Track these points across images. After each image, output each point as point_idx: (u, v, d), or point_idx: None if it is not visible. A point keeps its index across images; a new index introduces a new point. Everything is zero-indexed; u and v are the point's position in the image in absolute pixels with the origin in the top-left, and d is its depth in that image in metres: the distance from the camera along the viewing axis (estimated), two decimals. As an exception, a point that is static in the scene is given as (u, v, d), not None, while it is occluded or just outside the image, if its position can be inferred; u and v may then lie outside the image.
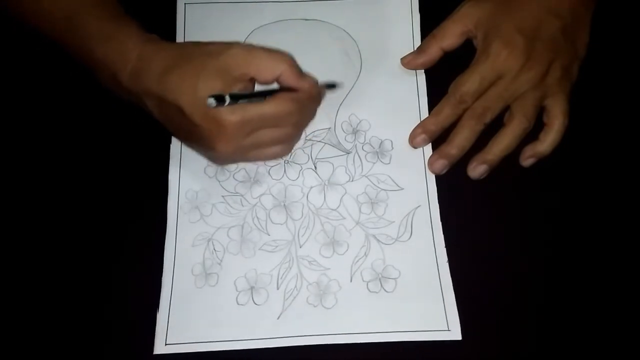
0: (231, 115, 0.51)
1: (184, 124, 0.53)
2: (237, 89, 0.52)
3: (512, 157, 0.58)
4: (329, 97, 0.60)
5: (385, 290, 0.55)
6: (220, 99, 0.50)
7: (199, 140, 0.54)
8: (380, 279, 0.55)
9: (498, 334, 0.53)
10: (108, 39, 0.54)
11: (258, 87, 0.54)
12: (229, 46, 0.53)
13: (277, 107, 0.52)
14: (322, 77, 0.57)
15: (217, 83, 0.51)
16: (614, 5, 0.62)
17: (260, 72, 0.52)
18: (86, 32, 0.55)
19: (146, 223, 0.57)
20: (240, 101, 0.51)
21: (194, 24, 0.64)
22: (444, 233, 0.56)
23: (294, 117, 0.54)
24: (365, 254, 0.56)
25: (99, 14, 0.55)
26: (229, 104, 0.50)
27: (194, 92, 0.51)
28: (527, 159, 0.58)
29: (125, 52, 0.54)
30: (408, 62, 0.61)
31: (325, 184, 0.59)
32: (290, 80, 0.53)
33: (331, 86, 0.59)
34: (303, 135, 0.60)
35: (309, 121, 0.59)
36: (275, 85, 0.54)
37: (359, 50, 0.63)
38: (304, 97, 0.54)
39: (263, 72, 0.52)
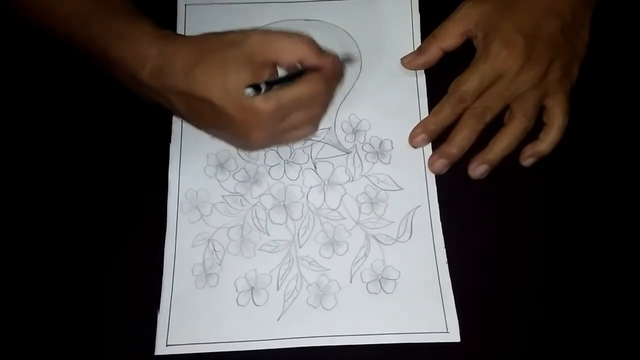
0: (266, 103, 0.51)
1: (215, 118, 0.53)
2: (265, 75, 0.52)
3: (512, 157, 0.58)
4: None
5: (384, 291, 0.55)
6: (256, 88, 0.50)
7: (233, 132, 0.54)
8: (380, 280, 0.55)
9: (497, 337, 0.53)
10: (123, 37, 0.54)
11: (281, 71, 0.54)
12: (248, 34, 0.53)
13: (308, 89, 0.53)
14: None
15: (245, 73, 0.51)
16: (614, 5, 0.62)
17: (281, 56, 0.53)
18: (100, 30, 0.54)
19: (146, 223, 0.57)
20: (274, 87, 0.51)
21: (195, 25, 0.64)
22: (443, 233, 0.56)
23: (324, 96, 0.55)
24: (365, 255, 0.56)
25: (112, 12, 0.55)
26: (264, 91, 0.50)
27: (224, 85, 0.51)
28: (527, 159, 0.58)
29: (142, 50, 0.53)
30: (408, 62, 0.61)
31: (325, 184, 0.59)
32: (312, 60, 0.53)
33: (349, 60, 0.60)
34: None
35: (333, 97, 0.59)
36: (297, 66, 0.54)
37: (359, 50, 0.63)
38: (330, 75, 0.55)
39: (284, 55, 0.53)
